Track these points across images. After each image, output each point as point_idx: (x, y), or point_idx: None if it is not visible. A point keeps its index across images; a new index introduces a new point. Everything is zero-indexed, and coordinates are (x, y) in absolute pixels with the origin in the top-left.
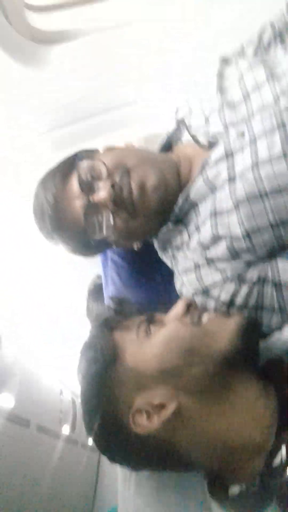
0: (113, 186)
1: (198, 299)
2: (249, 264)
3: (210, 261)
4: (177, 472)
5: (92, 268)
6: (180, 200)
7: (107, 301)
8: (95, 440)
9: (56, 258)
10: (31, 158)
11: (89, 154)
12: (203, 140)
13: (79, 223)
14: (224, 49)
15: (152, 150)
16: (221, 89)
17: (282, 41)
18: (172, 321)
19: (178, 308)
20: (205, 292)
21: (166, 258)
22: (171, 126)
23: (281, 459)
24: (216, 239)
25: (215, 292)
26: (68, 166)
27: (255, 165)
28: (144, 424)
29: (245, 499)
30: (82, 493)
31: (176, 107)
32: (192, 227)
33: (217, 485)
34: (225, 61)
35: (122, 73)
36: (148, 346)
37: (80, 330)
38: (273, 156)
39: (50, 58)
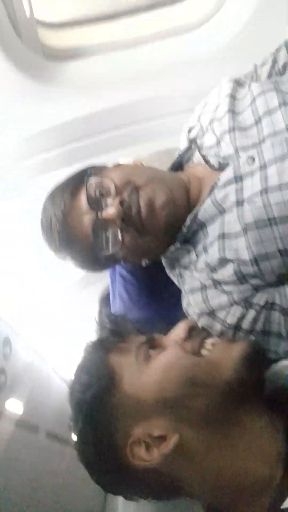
0: (121, 203)
1: (204, 320)
2: (256, 289)
3: (216, 283)
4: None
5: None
6: (188, 220)
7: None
8: (88, 470)
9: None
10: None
11: (98, 170)
12: (213, 161)
13: (87, 239)
14: (233, 67)
15: (161, 168)
16: (233, 111)
17: None
18: (173, 345)
19: (180, 331)
20: (211, 313)
21: (173, 276)
22: (181, 145)
23: None
24: (223, 261)
25: (221, 315)
26: (76, 182)
27: (264, 190)
28: (143, 456)
29: None
30: (91, 500)
31: (188, 126)
32: (200, 247)
33: None
34: (237, 82)
35: (132, 92)
36: (148, 372)
37: (93, 336)
38: (283, 183)
39: (61, 75)
